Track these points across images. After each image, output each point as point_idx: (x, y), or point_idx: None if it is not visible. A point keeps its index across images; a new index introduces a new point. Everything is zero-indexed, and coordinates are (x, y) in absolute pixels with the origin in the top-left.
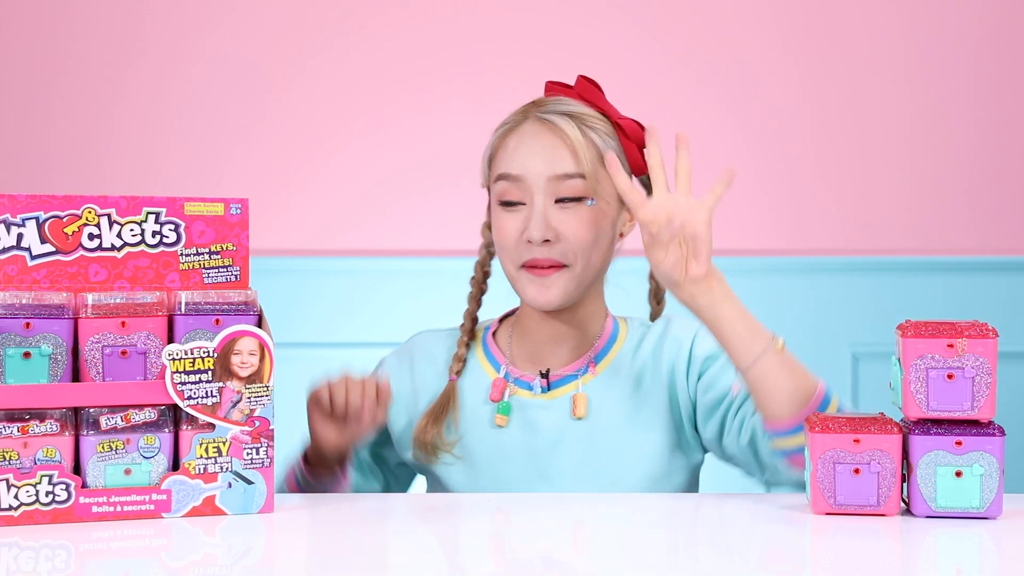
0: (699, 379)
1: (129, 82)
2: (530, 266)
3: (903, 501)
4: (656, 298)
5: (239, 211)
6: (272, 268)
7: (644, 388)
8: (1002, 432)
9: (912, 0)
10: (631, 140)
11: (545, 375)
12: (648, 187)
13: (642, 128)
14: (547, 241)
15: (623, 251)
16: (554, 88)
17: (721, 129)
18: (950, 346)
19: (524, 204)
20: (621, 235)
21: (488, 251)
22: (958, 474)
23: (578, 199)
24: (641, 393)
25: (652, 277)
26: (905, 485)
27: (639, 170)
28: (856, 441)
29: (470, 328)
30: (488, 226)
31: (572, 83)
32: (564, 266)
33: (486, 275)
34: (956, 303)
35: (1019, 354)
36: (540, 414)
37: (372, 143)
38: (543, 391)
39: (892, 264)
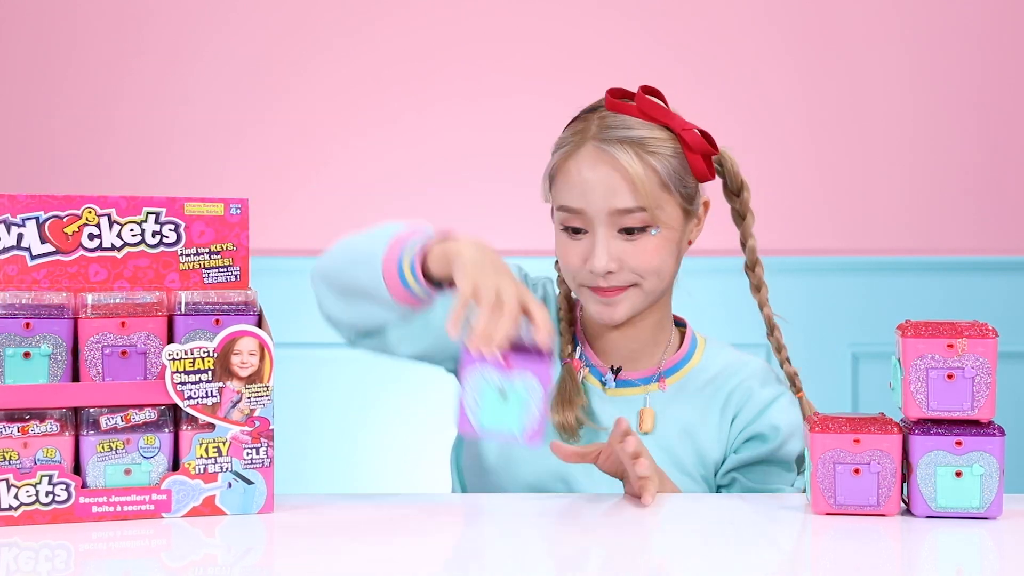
0: (748, 440)
1: (129, 82)
2: (594, 288)
3: (903, 501)
4: (758, 288)
5: (239, 211)
6: (272, 268)
7: (701, 421)
8: (1002, 432)
9: None
10: (695, 152)
11: (616, 371)
12: (728, 191)
13: (707, 138)
14: (610, 272)
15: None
16: (615, 103)
17: (719, 127)
18: (950, 346)
19: (587, 232)
20: (689, 242)
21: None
22: (958, 474)
23: (642, 228)
24: (695, 424)
25: (749, 268)
26: (905, 485)
27: (702, 178)
28: (856, 441)
29: (570, 321)
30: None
31: (633, 89)
32: (630, 285)
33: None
34: (956, 303)
35: (1019, 354)
36: (604, 408)
37: (373, 141)
38: (614, 386)
39: (892, 264)
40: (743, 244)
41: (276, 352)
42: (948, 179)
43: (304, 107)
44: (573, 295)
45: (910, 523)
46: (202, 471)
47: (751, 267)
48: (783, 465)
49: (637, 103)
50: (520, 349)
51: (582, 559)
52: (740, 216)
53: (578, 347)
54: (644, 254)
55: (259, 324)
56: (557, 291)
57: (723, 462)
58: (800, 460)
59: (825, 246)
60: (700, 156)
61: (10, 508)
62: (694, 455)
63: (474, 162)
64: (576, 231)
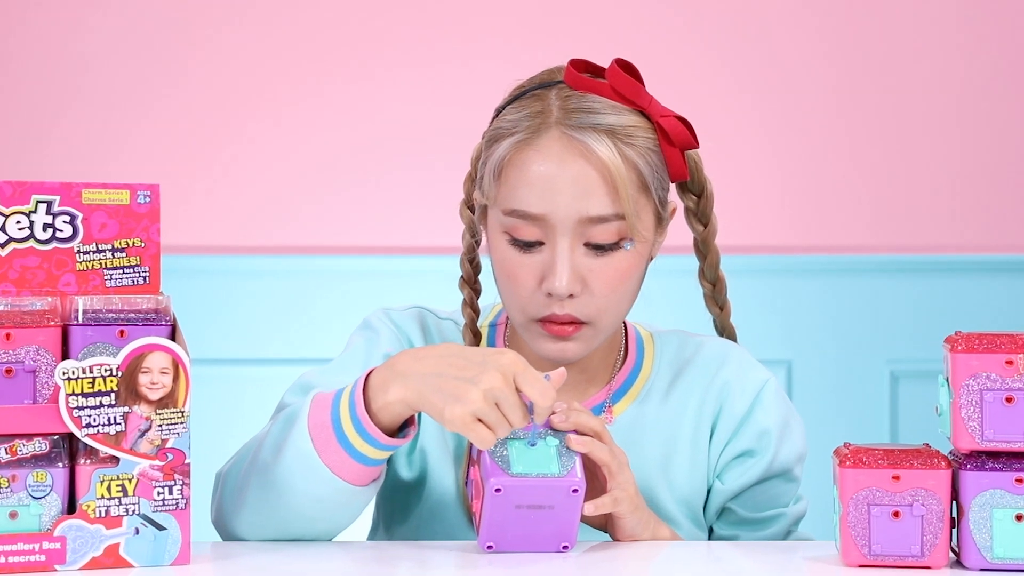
0: (736, 458)
1: (14, 44)
2: (546, 320)
3: (952, 551)
4: (717, 302)
5: (148, 199)
6: (188, 269)
7: (672, 446)
8: None
9: None
10: (674, 146)
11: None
12: (685, 189)
13: (688, 128)
14: (571, 295)
15: None
16: (579, 79)
17: (741, 106)
18: (1009, 363)
19: (543, 244)
20: (651, 258)
21: (474, 239)
22: (1019, 518)
23: (615, 243)
24: (667, 452)
25: (704, 275)
26: (955, 531)
27: (678, 176)
28: (895, 478)
29: (475, 344)
30: (468, 207)
31: (599, 63)
32: (585, 323)
33: (476, 270)
34: (1017, 311)
35: None
36: None
37: (309, 118)
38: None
39: (940, 264)
40: (702, 255)
41: (193, 370)
42: (1004, 164)
43: (226, 74)
44: (485, 323)
45: None
46: (103, 514)
47: (712, 282)
48: (782, 476)
49: (610, 80)
50: None
51: None
52: (701, 222)
53: None
54: (613, 274)
55: (172, 336)
56: (461, 322)
57: (708, 493)
58: (800, 458)
59: (857, 242)
60: (679, 151)
61: None
62: (674, 495)
63: (431, 146)
64: (528, 245)
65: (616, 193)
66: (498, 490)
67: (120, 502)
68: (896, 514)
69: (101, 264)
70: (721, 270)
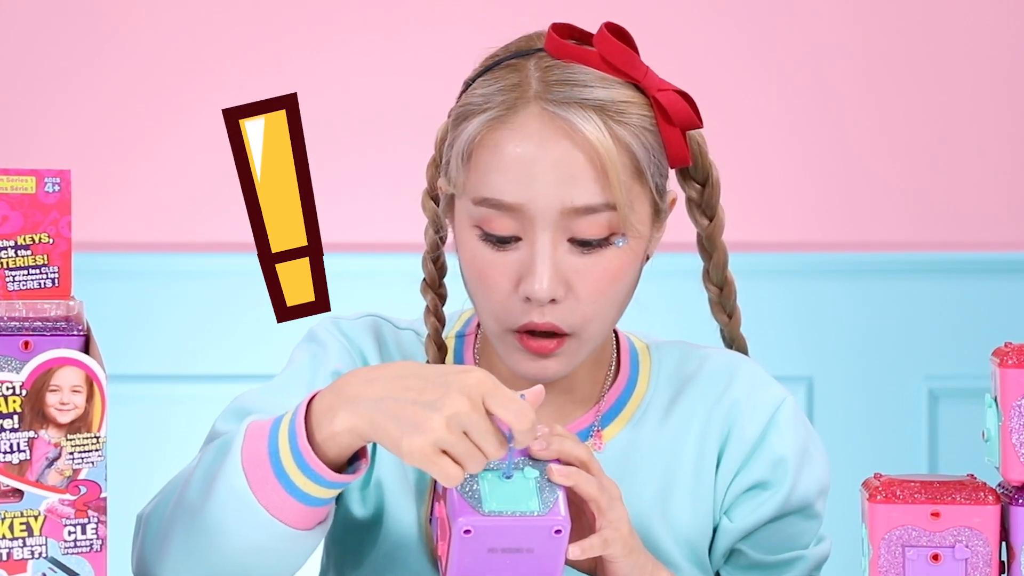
0: (747, 491)
1: None
2: (524, 331)
3: None
4: (724, 308)
5: (58, 188)
6: (104, 269)
7: (672, 477)
8: None
9: None
10: (674, 125)
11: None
12: (687, 177)
13: (690, 103)
14: (553, 301)
15: None
16: (563, 46)
17: (755, 77)
18: None
19: (519, 240)
20: (647, 257)
21: (439, 235)
22: None
23: (605, 239)
24: (667, 485)
25: (709, 277)
26: None
27: (679, 161)
28: (935, 515)
29: (439, 359)
30: (432, 197)
31: (587, 28)
32: (567, 335)
33: (442, 272)
34: None
35: None
36: None
37: (244, 95)
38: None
39: (987, 263)
40: (707, 253)
41: (110, 388)
42: None
43: (147, 43)
44: (451, 333)
45: None
46: (5, 558)
47: (719, 285)
48: (801, 513)
49: (598, 48)
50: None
51: None
52: (706, 215)
53: None
54: (602, 276)
55: (86, 349)
56: (423, 333)
57: (714, 532)
58: (822, 492)
59: (890, 238)
60: (679, 131)
61: None
62: (674, 534)
63: (377, 121)
64: (503, 241)
65: (606, 179)
66: (467, 531)
67: (24, 543)
68: (936, 557)
69: (2, 264)
70: (729, 271)
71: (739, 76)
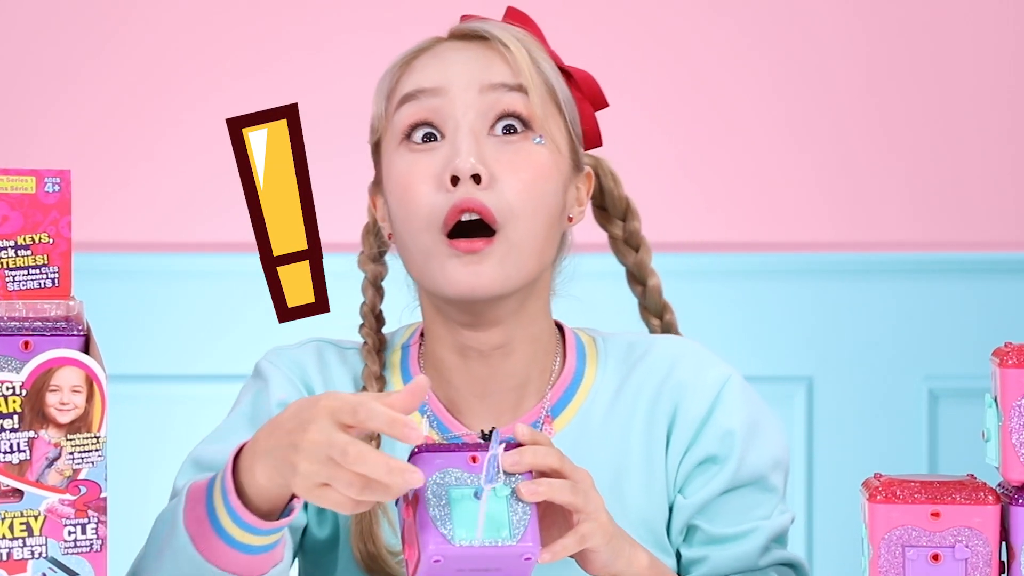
0: (697, 467)
1: None
2: (456, 233)
3: None
4: (654, 311)
5: (58, 188)
6: (104, 269)
7: (623, 462)
8: None
9: None
10: (584, 96)
11: (489, 435)
12: (607, 216)
13: (594, 83)
14: (478, 182)
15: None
16: (474, 16)
17: (752, 69)
18: None
19: (443, 139)
20: (570, 219)
21: (378, 250)
22: None
23: (523, 130)
24: (618, 470)
25: (647, 310)
26: None
27: (593, 140)
28: (935, 515)
29: (378, 373)
30: (371, 228)
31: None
32: (495, 233)
33: (379, 293)
34: None
35: None
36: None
37: (245, 95)
38: None
39: (987, 263)
40: (640, 284)
41: (110, 388)
42: None
43: (145, 47)
44: (398, 345)
45: None
46: (5, 558)
47: (658, 314)
48: (755, 485)
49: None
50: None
51: None
52: (632, 247)
53: (425, 413)
54: (525, 166)
55: (86, 349)
56: (363, 337)
57: (671, 512)
58: (777, 464)
59: (890, 237)
60: (590, 106)
61: None
62: (629, 518)
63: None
64: (427, 137)
65: (520, 68)
66: (437, 560)
67: (24, 543)
68: (936, 557)
69: (2, 264)
70: (666, 299)
71: (739, 75)
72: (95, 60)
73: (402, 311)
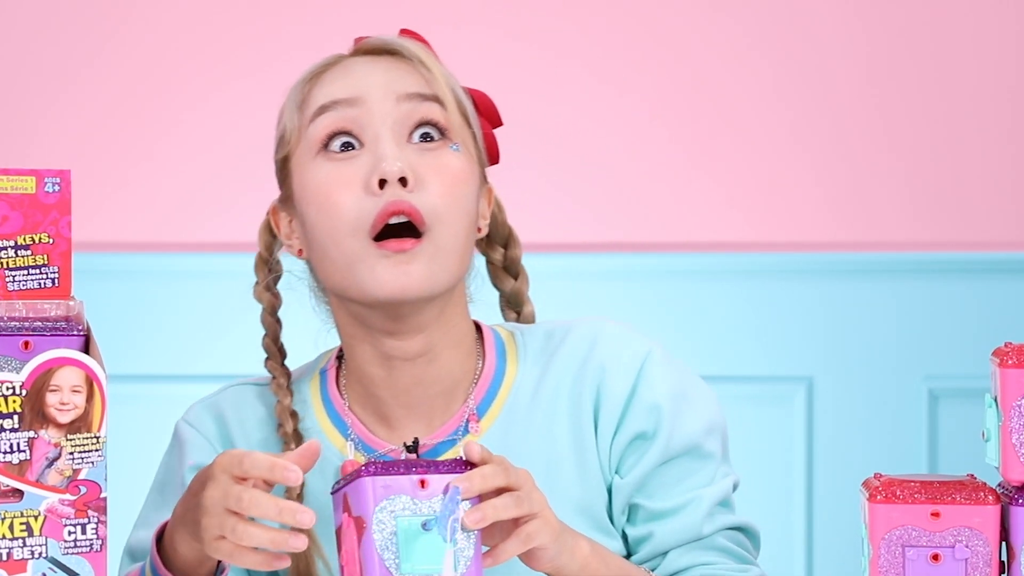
0: (629, 444)
1: None
2: (384, 235)
3: None
4: (512, 304)
5: (58, 188)
6: (104, 269)
7: (553, 451)
8: None
9: None
10: (481, 113)
11: (413, 447)
12: (490, 242)
13: (491, 102)
14: (405, 185)
15: None
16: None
17: (752, 69)
18: None
19: (363, 147)
20: (479, 229)
21: (271, 256)
22: None
23: (439, 138)
24: (550, 460)
25: (508, 303)
26: None
27: (493, 157)
28: (934, 515)
29: (286, 385)
30: (265, 256)
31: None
32: (422, 235)
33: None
34: None
35: None
36: None
37: (245, 95)
38: None
39: (988, 263)
40: (515, 311)
41: (111, 388)
42: None
43: (145, 47)
44: (316, 370)
45: None
46: (5, 558)
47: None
48: (689, 455)
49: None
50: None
51: None
52: (511, 274)
53: (349, 436)
54: (445, 171)
55: (86, 349)
56: (285, 376)
57: (610, 494)
58: (711, 429)
59: (890, 237)
60: (489, 124)
61: None
62: (568, 507)
63: None
64: (345, 146)
65: (433, 78)
66: None
67: (24, 543)
68: (936, 557)
69: (2, 264)
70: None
71: (739, 76)
72: (95, 60)
73: (316, 335)
